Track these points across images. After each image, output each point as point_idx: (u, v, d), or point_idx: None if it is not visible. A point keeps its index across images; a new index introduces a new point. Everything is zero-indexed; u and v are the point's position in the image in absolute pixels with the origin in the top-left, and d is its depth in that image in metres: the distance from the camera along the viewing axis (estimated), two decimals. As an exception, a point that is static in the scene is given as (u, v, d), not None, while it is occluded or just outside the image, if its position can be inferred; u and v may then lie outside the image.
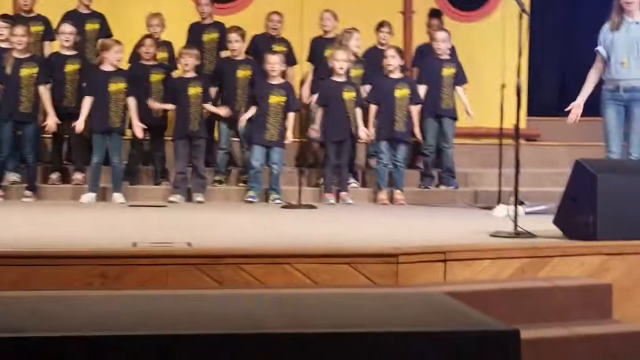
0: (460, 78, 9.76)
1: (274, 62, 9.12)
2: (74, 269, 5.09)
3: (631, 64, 7.65)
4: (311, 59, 9.96)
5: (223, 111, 9.21)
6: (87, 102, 8.86)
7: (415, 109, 9.39)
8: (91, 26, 9.79)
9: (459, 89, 9.75)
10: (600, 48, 7.82)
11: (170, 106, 9.12)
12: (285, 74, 9.47)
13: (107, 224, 7.23)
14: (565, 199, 6.28)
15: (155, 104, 9.11)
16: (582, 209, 6.04)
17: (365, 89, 9.56)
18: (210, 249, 5.44)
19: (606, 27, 7.80)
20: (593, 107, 7.99)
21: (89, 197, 8.80)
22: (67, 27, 9.24)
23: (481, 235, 6.31)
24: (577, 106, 7.89)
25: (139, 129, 8.91)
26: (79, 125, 8.86)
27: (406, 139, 9.39)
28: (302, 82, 9.16)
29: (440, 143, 9.79)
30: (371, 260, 5.31)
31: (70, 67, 9.20)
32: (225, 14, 10.60)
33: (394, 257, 5.31)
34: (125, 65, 9.31)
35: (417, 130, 9.43)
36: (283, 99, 9.11)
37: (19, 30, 8.78)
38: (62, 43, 9.23)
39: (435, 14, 10.61)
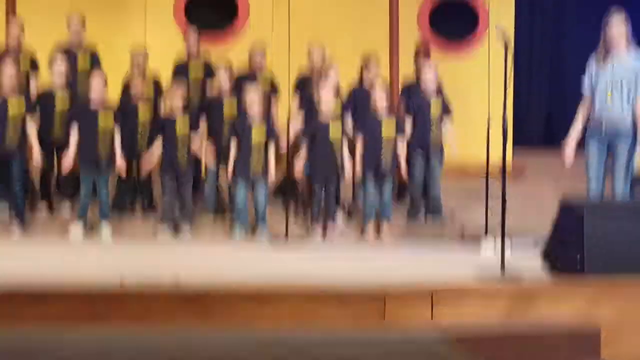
0: (444, 109, 9.79)
1: (253, 97, 9.15)
2: (63, 305, 5.09)
3: (615, 101, 7.71)
4: (296, 93, 9.99)
5: (209, 158, 9.21)
6: (74, 133, 8.87)
7: (401, 144, 9.43)
8: (82, 62, 9.80)
9: (446, 122, 9.79)
10: (585, 85, 7.89)
11: (156, 149, 9.09)
12: (265, 108, 9.52)
13: (95, 259, 7.22)
14: (552, 235, 6.31)
15: (146, 164, 9.09)
16: (570, 247, 6.07)
17: (347, 123, 9.60)
18: (197, 286, 5.44)
19: (592, 61, 7.87)
20: (579, 143, 8.04)
21: (76, 230, 8.79)
22: (59, 63, 9.25)
23: (468, 273, 6.32)
24: (568, 147, 7.96)
25: (122, 168, 8.93)
26: (67, 161, 8.85)
27: (392, 173, 9.41)
28: (288, 117, 9.18)
29: (427, 177, 9.82)
30: (358, 299, 5.33)
31: (60, 103, 9.19)
32: (212, 48, 10.65)
33: (380, 297, 5.32)
34: (114, 100, 9.32)
35: (403, 164, 9.46)
36: (264, 134, 9.13)
37: (9, 70, 8.78)
38: (54, 78, 9.24)
39: (422, 50, 10.68)
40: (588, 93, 7.86)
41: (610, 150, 7.75)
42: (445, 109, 9.77)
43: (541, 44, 12.79)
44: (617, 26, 7.66)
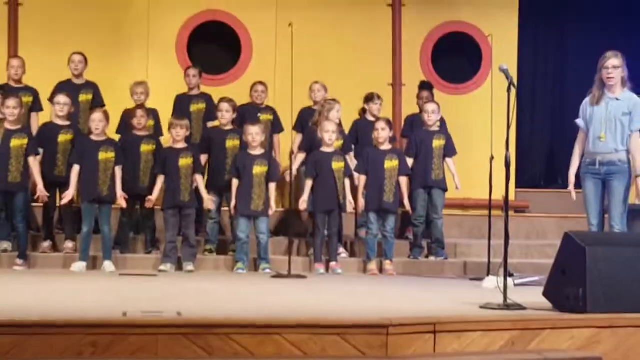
0: (449, 149, 9.84)
1: (254, 133, 9.19)
2: (65, 338, 5.08)
3: (608, 139, 7.78)
4: (299, 128, 10.04)
5: (209, 203, 9.24)
6: (75, 172, 8.91)
7: (404, 180, 9.45)
8: (84, 97, 9.88)
9: (448, 160, 9.83)
10: (579, 121, 7.96)
11: (159, 184, 9.12)
12: (266, 143, 9.56)
13: (97, 293, 7.21)
14: (554, 271, 6.30)
15: (150, 200, 9.12)
16: (572, 282, 6.06)
17: (351, 158, 9.64)
18: (200, 319, 5.43)
19: (587, 100, 7.96)
20: (580, 181, 8.09)
21: (79, 265, 8.81)
22: (62, 98, 9.32)
23: (471, 306, 6.31)
24: (571, 184, 8.03)
25: (122, 199, 8.96)
26: (68, 196, 8.89)
27: (395, 209, 9.44)
28: (291, 152, 9.24)
29: (430, 214, 9.84)
30: (361, 331, 5.31)
31: (63, 138, 9.27)
32: (215, 86, 10.73)
33: (383, 328, 5.30)
34: (113, 134, 9.38)
35: (406, 201, 9.48)
36: (265, 169, 9.17)
37: (12, 102, 8.85)
38: (57, 113, 9.30)
39: (425, 86, 10.76)
40: (583, 127, 7.94)
41: (605, 188, 7.80)
42: (451, 150, 9.81)
43: (544, 82, 12.85)
44: (613, 67, 7.75)
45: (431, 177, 9.74)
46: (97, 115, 9.03)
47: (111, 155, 8.97)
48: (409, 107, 10.92)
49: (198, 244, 9.34)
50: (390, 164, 9.37)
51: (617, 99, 7.81)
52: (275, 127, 10.11)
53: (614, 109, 7.78)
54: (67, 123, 9.34)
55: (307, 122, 9.93)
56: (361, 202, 9.39)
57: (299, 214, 9.90)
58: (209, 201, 9.17)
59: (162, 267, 8.93)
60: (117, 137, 9.56)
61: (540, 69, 12.85)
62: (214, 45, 11.38)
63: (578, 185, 8.07)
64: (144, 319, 5.37)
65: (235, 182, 9.16)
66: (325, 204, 9.27)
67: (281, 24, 10.65)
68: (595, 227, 7.82)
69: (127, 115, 9.75)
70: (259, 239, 9.13)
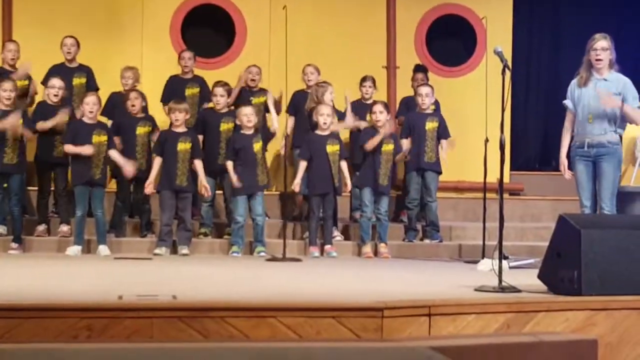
0: (443, 132, 9.83)
1: (248, 113, 9.19)
2: (60, 321, 5.08)
3: (596, 120, 7.77)
4: (292, 111, 10.04)
5: (205, 192, 9.23)
6: (70, 149, 8.89)
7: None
8: (78, 80, 9.86)
9: (443, 142, 9.83)
10: (567, 102, 7.96)
11: (156, 166, 9.09)
12: (259, 125, 9.56)
13: (92, 276, 7.21)
14: (549, 253, 6.31)
15: (150, 185, 9.11)
16: (567, 264, 6.06)
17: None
18: (195, 302, 5.43)
19: (574, 82, 7.96)
20: (571, 162, 8.10)
21: (74, 249, 8.80)
22: (57, 82, 9.30)
23: (466, 289, 6.33)
24: (562, 164, 8.03)
25: (128, 169, 8.97)
26: (70, 147, 8.86)
27: (388, 191, 9.44)
28: (285, 134, 9.24)
29: (424, 197, 9.84)
30: (356, 314, 5.31)
31: (59, 118, 9.23)
32: (209, 69, 10.70)
33: (378, 311, 5.31)
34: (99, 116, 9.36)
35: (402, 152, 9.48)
36: (260, 144, 9.18)
37: (7, 85, 8.84)
38: (51, 97, 9.27)
39: (419, 68, 10.74)
40: (571, 107, 7.94)
41: (595, 170, 7.81)
42: (444, 133, 9.81)
43: (538, 64, 12.84)
44: (602, 49, 7.75)
45: (424, 160, 9.74)
46: (91, 99, 9.01)
47: (104, 138, 8.96)
48: (403, 90, 10.91)
49: (192, 227, 9.33)
50: (387, 147, 9.37)
51: (605, 80, 7.81)
52: (275, 108, 10.11)
53: (602, 90, 7.77)
54: (60, 105, 9.31)
55: (300, 105, 9.92)
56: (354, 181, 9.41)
57: (294, 196, 9.91)
58: (205, 189, 9.14)
59: (157, 251, 8.93)
60: (105, 120, 9.53)
61: (534, 51, 12.85)
62: (208, 29, 11.33)
63: (570, 167, 8.08)
64: (139, 303, 5.37)
65: (230, 164, 9.14)
66: (320, 187, 9.27)
67: (275, 6, 10.62)
68: (588, 209, 7.83)
69: (115, 98, 9.73)
70: (255, 220, 9.13)
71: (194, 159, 9.10)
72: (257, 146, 9.17)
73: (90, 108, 8.96)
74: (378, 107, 9.41)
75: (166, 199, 9.05)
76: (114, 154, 8.97)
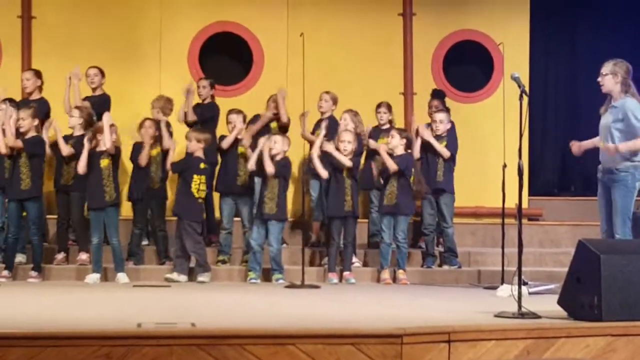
0: (448, 146, 9.81)
1: (275, 141, 9.21)
2: (80, 349, 5.09)
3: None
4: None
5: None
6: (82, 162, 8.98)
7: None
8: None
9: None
10: None
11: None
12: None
13: (111, 304, 7.22)
14: (569, 279, 6.27)
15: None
16: (587, 290, 6.03)
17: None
18: (214, 330, 5.43)
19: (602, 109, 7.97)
20: (593, 188, 8.07)
21: (93, 277, 8.83)
22: (75, 112, 9.39)
23: (485, 315, 6.30)
24: (576, 144, 8.04)
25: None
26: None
27: (406, 213, 9.40)
28: (303, 162, 9.24)
29: (440, 223, 9.84)
30: (375, 340, 5.30)
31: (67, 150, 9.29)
32: (227, 97, 10.75)
33: (397, 337, 5.30)
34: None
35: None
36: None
37: (22, 113, 8.91)
38: (71, 126, 9.36)
39: (436, 94, 10.74)
40: None
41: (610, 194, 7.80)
42: (449, 147, 9.78)
43: (555, 89, 12.84)
44: (602, 75, 7.76)
45: (436, 180, 9.73)
46: (105, 124, 9.05)
47: (108, 161, 8.99)
48: (421, 116, 10.91)
49: (209, 254, 9.33)
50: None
51: (615, 107, 7.81)
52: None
53: (611, 117, 7.78)
54: (71, 133, 9.36)
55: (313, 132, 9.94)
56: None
57: (310, 223, 9.92)
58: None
59: (168, 275, 8.95)
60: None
61: (551, 77, 12.84)
62: (226, 57, 11.39)
63: (587, 193, 8.03)
64: (158, 330, 5.38)
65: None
66: (340, 210, 9.26)
67: (292, 33, 10.66)
68: (604, 233, 7.81)
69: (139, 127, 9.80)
70: (270, 248, 9.13)
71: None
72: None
73: (108, 137, 9.02)
74: (393, 132, 9.48)
75: (177, 224, 9.11)
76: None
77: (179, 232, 9.06)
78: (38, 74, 9.87)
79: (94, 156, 8.98)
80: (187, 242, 9.01)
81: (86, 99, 9.89)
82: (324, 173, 9.26)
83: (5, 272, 8.82)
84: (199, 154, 9.20)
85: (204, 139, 9.26)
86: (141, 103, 9.92)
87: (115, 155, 9.04)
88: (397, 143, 9.39)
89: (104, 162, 8.96)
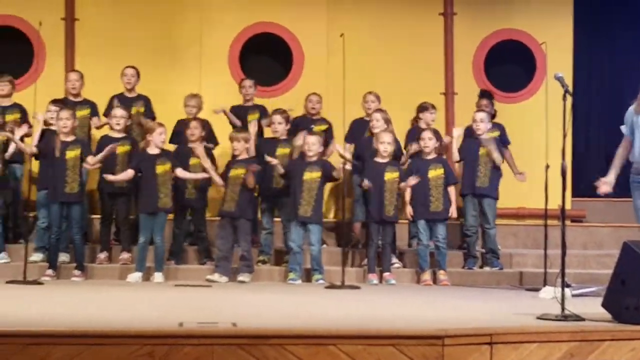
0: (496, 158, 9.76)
1: (311, 143, 9.20)
2: (122, 348, 5.12)
3: None
4: (350, 140, 10.02)
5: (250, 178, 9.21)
6: (128, 173, 9.00)
7: (452, 190, 9.41)
8: (136, 109, 9.98)
9: (506, 153, 9.74)
10: (623, 127, 7.82)
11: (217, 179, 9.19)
12: (323, 153, 9.58)
13: (153, 303, 7.26)
14: (613, 281, 6.20)
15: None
16: (631, 292, 5.96)
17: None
18: (255, 330, 5.44)
19: (631, 108, 7.81)
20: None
21: (135, 276, 8.88)
22: (119, 111, 9.44)
23: (528, 317, 6.25)
24: (603, 183, 7.85)
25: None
26: (109, 177, 9.00)
27: (442, 217, 9.37)
28: (343, 162, 9.21)
29: (482, 224, 9.78)
30: (416, 342, 5.28)
31: (121, 149, 9.36)
32: (267, 97, 10.78)
33: (439, 339, 5.27)
34: (166, 144, 9.44)
35: (453, 208, 9.40)
36: (317, 175, 9.16)
37: (64, 114, 8.96)
38: (113, 126, 9.40)
39: (483, 94, 10.67)
40: (628, 134, 7.77)
41: None
42: (497, 159, 9.73)
43: (599, 89, 12.71)
44: None
45: (476, 184, 9.68)
46: (159, 129, 9.10)
47: (168, 167, 9.05)
48: (462, 117, 10.86)
49: (251, 255, 9.35)
50: (435, 172, 9.34)
51: None
52: (330, 137, 10.11)
53: None
54: (123, 135, 9.44)
55: (358, 133, 9.92)
56: (408, 209, 9.35)
57: (352, 224, 9.90)
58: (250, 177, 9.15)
59: (209, 277, 8.96)
60: (171, 147, 9.63)
61: (595, 76, 12.71)
62: (266, 57, 11.41)
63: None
64: (199, 330, 5.40)
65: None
66: (378, 214, 9.25)
67: (332, 34, 10.66)
68: None
69: (180, 126, 9.82)
70: (310, 249, 9.13)
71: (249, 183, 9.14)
72: (308, 175, 9.13)
73: (162, 139, 9.07)
74: (427, 134, 9.43)
75: (220, 224, 9.12)
76: (180, 173, 9.07)
77: (225, 233, 9.06)
78: (82, 76, 9.95)
79: (149, 160, 9.03)
80: (243, 241, 9.05)
81: (122, 98, 9.92)
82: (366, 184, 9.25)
83: (49, 271, 8.90)
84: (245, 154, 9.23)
85: (247, 138, 9.30)
86: (182, 104, 9.94)
87: (172, 161, 9.08)
88: (432, 145, 9.36)
89: (161, 168, 9.00)
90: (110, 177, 9.05)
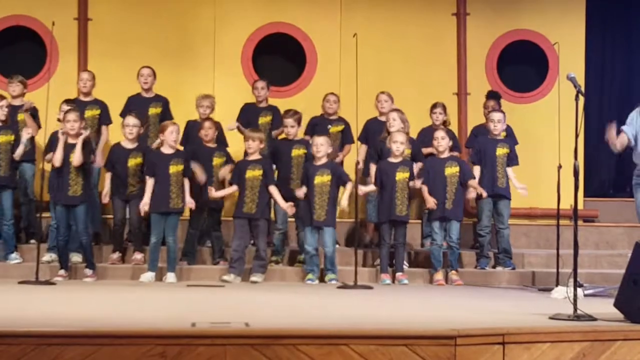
0: (511, 159, 9.75)
1: (319, 144, 9.20)
2: (135, 348, 5.15)
3: None
4: (363, 139, 10.02)
5: (289, 209, 9.18)
6: (150, 184, 9.01)
7: (474, 182, 9.38)
8: (154, 110, 9.98)
9: (508, 169, 9.74)
10: (626, 127, 7.85)
11: (230, 190, 9.21)
12: (334, 154, 9.56)
13: (165, 303, 7.28)
14: (625, 281, 6.20)
15: (214, 193, 9.18)
16: (643, 292, 5.96)
17: (418, 166, 9.63)
18: (267, 329, 5.46)
19: (637, 110, 7.83)
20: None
21: (148, 276, 8.91)
22: (132, 120, 9.38)
23: (540, 317, 6.25)
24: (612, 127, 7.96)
25: (191, 205, 9.06)
26: (144, 206, 8.99)
27: (456, 216, 9.37)
28: (356, 163, 9.20)
29: (496, 224, 9.77)
30: (428, 342, 5.29)
31: (132, 161, 9.36)
32: (280, 97, 10.78)
33: (451, 339, 5.28)
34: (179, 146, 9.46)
35: (472, 195, 9.40)
36: (328, 178, 9.15)
37: (71, 115, 8.90)
38: (126, 135, 9.37)
39: (491, 95, 10.67)
40: (629, 135, 7.81)
41: None
42: (513, 159, 9.72)
43: (611, 89, 12.68)
44: None
45: (497, 185, 9.67)
46: (173, 128, 9.12)
47: (181, 167, 9.06)
48: (475, 117, 10.85)
49: (266, 256, 9.36)
50: (450, 170, 9.34)
51: None
52: (347, 138, 10.10)
53: None
54: (135, 145, 9.42)
55: (372, 132, 9.92)
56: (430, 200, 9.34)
57: (366, 224, 9.90)
58: (289, 207, 9.13)
59: (225, 277, 8.98)
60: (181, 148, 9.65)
61: (607, 77, 12.69)
62: (279, 57, 11.42)
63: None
64: (212, 330, 5.42)
65: (301, 192, 9.17)
66: (389, 214, 9.25)
67: (345, 34, 10.67)
68: None
69: (191, 127, 9.83)
70: (325, 250, 9.14)
71: (267, 185, 9.13)
72: (318, 179, 9.12)
73: (174, 138, 9.08)
74: (440, 133, 9.45)
75: (237, 225, 9.11)
76: (215, 193, 9.14)
77: (243, 233, 9.07)
78: (94, 76, 9.97)
79: (162, 159, 9.05)
80: (262, 242, 9.09)
81: (139, 99, 9.95)
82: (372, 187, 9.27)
83: (62, 272, 8.93)
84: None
85: (262, 138, 9.31)
86: (194, 104, 9.96)
87: (185, 162, 9.10)
88: (446, 144, 9.37)
89: (174, 168, 9.03)
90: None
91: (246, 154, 9.28)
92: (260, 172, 9.11)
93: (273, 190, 9.16)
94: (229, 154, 9.64)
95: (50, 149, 8.96)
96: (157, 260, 9.00)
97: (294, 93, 11.09)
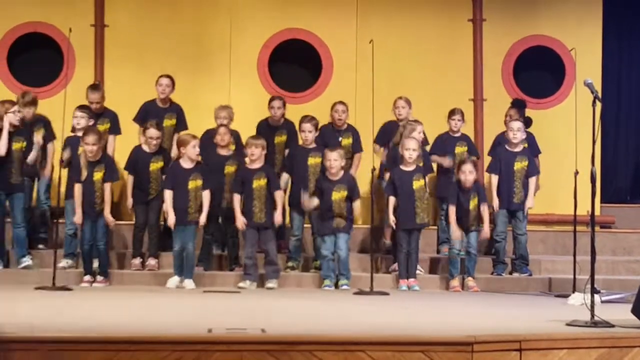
0: (531, 171, 9.71)
1: (332, 159, 9.18)
2: (152, 354, 5.16)
3: None
4: (382, 142, 9.93)
5: (279, 219, 9.24)
6: (169, 196, 9.05)
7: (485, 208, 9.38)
8: (169, 122, 9.97)
9: (531, 180, 9.70)
10: None
11: (237, 204, 9.21)
12: (347, 166, 9.53)
13: (182, 309, 7.30)
14: (642, 288, 6.18)
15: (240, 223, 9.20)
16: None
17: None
18: (284, 336, 5.46)
19: None
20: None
21: (174, 280, 8.96)
22: (154, 132, 9.37)
23: (557, 324, 6.23)
24: None
25: (204, 218, 9.10)
26: (172, 220, 9.02)
27: (477, 230, 9.35)
28: (372, 169, 9.18)
29: (513, 230, 9.75)
30: (445, 348, 5.28)
31: (154, 166, 9.40)
32: (296, 104, 10.78)
33: (468, 345, 5.27)
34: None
35: (486, 229, 9.39)
36: (344, 194, 9.14)
37: (90, 139, 8.92)
38: (149, 144, 9.41)
39: (514, 104, 10.63)
40: None
41: None
42: (532, 171, 9.69)
43: (629, 95, 12.65)
44: None
45: (513, 201, 9.64)
46: (192, 142, 9.13)
47: (200, 182, 9.08)
48: (491, 123, 10.84)
49: (280, 261, 9.36)
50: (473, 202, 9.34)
51: None
52: (355, 148, 10.06)
53: None
54: (156, 150, 9.45)
55: (390, 135, 9.86)
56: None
57: (383, 229, 9.88)
58: (279, 217, 9.18)
59: (241, 284, 8.99)
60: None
61: (624, 83, 12.65)
62: (295, 64, 11.43)
63: None
64: (228, 336, 5.42)
65: (313, 203, 9.19)
66: (405, 222, 9.24)
67: (361, 40, 10.67)
68: None
69: (208, 136, 9.80)
70: (338, 255, 9.13)
71: (273, 192, 9.14)
72: (335, 195, 9.13)
73: (196, 152, 9.10)
74: (468, 167, 9.31)
75: (247, 234, 9.12)
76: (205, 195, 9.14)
77: (253, 240, 9.07)
78: (104, 93, 9.91)
79: (182, 174, 9.07)
80: (271, 247, 9.10)
81: (154, 108, 9.97)
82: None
83: (87, 277, 8.98)
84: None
85: (264, 145, 9.31)
86: (211, 111, 9.97)
87: (204, 176, 9.11)
88: (473, 178, 9.29)
89: (193, 184, 9.06)
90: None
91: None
92: (265, 180, 9.12)
93: (277, 196, 9.17)
94: (241, 162, 9.63)
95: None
96: (182, 265, 9.02)
97: (309, 99, 11.08)
